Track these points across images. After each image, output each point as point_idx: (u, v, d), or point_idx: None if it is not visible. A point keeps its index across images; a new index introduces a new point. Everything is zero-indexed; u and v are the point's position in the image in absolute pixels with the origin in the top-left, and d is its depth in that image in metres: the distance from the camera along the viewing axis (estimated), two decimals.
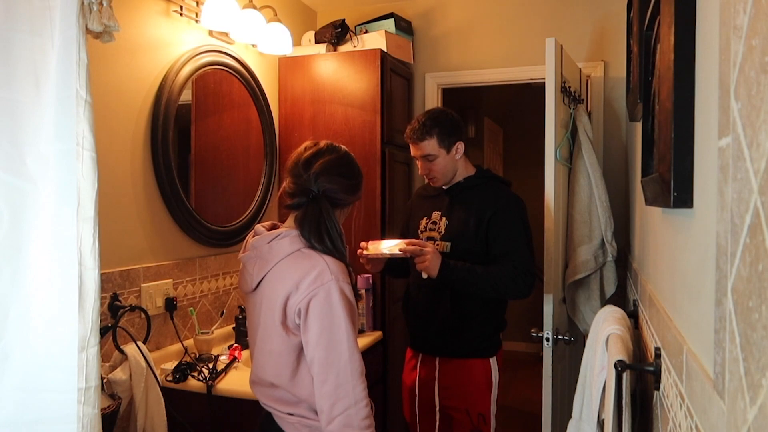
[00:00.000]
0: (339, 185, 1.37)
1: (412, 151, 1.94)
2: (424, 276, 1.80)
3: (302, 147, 1.42)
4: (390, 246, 1.81)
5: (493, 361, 1.93)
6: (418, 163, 1.96)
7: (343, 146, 1.45)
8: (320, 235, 1.31)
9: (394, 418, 2.74)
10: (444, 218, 1.95)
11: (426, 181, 2.01)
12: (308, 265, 1.28)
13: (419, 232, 2.00)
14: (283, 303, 1.28)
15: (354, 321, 1.30)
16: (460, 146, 1.92)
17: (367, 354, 2.44)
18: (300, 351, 1.30)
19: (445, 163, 1.91)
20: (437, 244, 1.92)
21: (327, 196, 1.36)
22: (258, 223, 2.63)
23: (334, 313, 1.25)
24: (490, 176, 2.00)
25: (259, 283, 1.35)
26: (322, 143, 1.42)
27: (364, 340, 2.45)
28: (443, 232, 1.93)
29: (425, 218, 2.00)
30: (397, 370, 2.51)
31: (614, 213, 2.52)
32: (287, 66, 2.87)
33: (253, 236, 1.41)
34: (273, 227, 1.44)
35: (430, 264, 1.76)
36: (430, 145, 1.88)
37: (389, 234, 2.62)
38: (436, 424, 1.97)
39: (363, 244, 1.87)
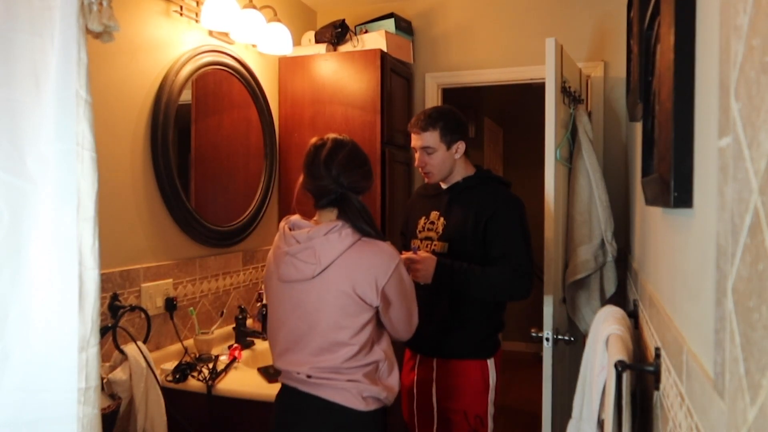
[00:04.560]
0: (359, 175, 1.50)
1: (413, 141, 1.94)
2: (421, 283, 1.81)
3: (311, 147, 1.51)
4: None
5: (491, 363, 1.92)
6: (416, 155, 1.94)
7: (346, 136, 1.55)
8: (369, 223, 1.48)
9: (394, 419, 2.74)
10: (442, 218, 1.94)
11: (421, 173, 1.98)
12: (376, 251, 1.46)
13: (417, 232, 1.99)
14: (358, 287, 1.43)
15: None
16: (461, 146, 1.91)
17: None
18: (369, 320, 1.47)
19: (443, 159, 1.90)
20: (434, 245, 1.92)
21: (353, 188, 1.49)
22: (258, 222, 2.64)
23: (406, 287, 1.52)
24: (490, 177, 1.99)
25: (320, 273, 1.45)
26: (329, 141, 1.51)
27: None
28: (441, 232, 1.92)
29: (423, 218, 1.99)
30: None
31: (614, 213, 2.52)
32: (287, 66, 2.87)
33: (290, 230, 1.50)
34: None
35: (420, 274, 1.80)
36: (432, 138, 1.87)
37: (389, 236, 2.62)
38: (433, 426, 1.97)
39: None
